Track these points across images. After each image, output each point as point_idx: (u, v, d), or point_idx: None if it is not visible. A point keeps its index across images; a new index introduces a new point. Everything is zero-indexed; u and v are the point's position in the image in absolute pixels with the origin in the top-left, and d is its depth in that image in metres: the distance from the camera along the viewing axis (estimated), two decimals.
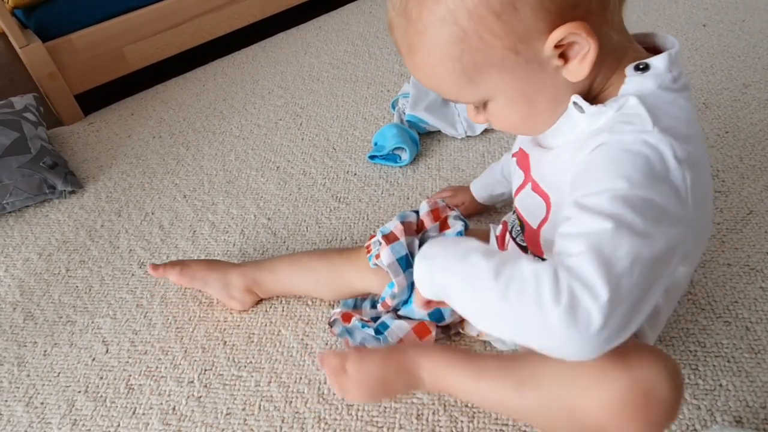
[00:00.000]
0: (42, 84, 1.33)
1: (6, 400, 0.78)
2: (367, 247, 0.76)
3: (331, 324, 0.78)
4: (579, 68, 0.47)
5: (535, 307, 0.42)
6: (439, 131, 1.12)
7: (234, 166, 1.16)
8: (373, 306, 0.78)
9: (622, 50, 0.50)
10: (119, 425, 0.73)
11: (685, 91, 0.50)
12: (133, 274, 0.95)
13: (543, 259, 0.60)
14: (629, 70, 0.49)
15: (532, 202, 0.59)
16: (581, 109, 0.49)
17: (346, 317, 0.76)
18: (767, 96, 1.08)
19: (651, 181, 0.44)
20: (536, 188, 0.58)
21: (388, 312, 0.75)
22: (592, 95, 0.51)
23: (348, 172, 1.09)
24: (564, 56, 0.47)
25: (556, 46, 0.46)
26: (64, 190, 1.13)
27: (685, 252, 0.48)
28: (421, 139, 1.12)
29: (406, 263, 0.72)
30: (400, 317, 0.74)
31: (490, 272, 0.45)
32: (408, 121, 1.11)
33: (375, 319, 0.75)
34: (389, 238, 0.73)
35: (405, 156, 1.06)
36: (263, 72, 1.47)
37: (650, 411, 0.48)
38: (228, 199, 1.08)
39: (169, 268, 0.84)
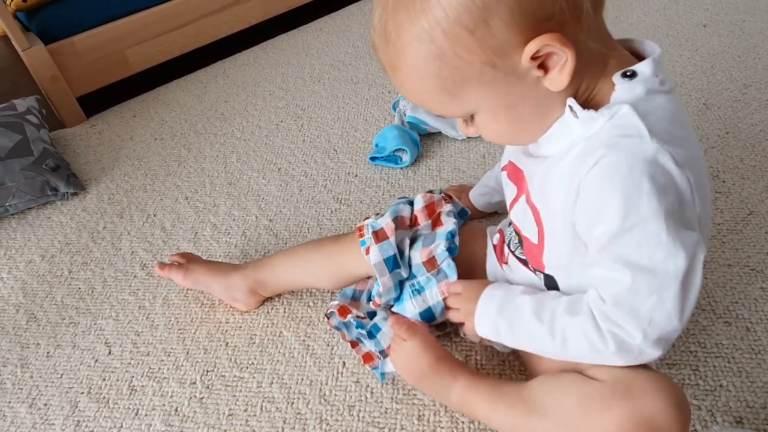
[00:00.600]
0: (44, 86, 1.34)
1: (9, 402, 0.79)
2: (360, 230, 0.75)
3: (327, 316, 0.78)
4: (559, 78, 0.47)
5: (594, 355, 0.52)
6: (440, 132, 1.12)
7: (235, 167, 1.17)
8: (370, 299, 0.78)
9: (603, 57, 0.50)
10: (122, 426, 0.74)
11: (673, 93, 0.51)
12: (135, 276, 0.95)
13: (544, 274, 0.61)
14: (617, 77, 0.49)
15: (527, 216, 0.59)
16: (575, 114, 0.50)
17: (343, 311, 0.76)
18: None
19: (658, 197, 0.47)
20: (529, 201, 0.58)
21: (381, 309, 0.75)
22: (580, 102, 0.51)
23: (349, 173, 1.09)
24: (544, 66, 0.47)
25: (534, 58, 0.46)
26: (67, 192, 1.13)
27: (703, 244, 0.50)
28: (422, 140, 1.12)
29: (393, 263, 0.72)
30: (394, 314, 0.74)
31: (546, 333, 0.55)
32: (409, 122, 1.12)
33: (371, 314, 0.75)
34: (379, 235, 0.72)
35: (406, 157, 1.06)
36: (264, 74, 1.48)
37: None
38: (229, 200, 1.08)
39: (174, 270, 0.85)
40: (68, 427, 0.75)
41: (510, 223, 0.67)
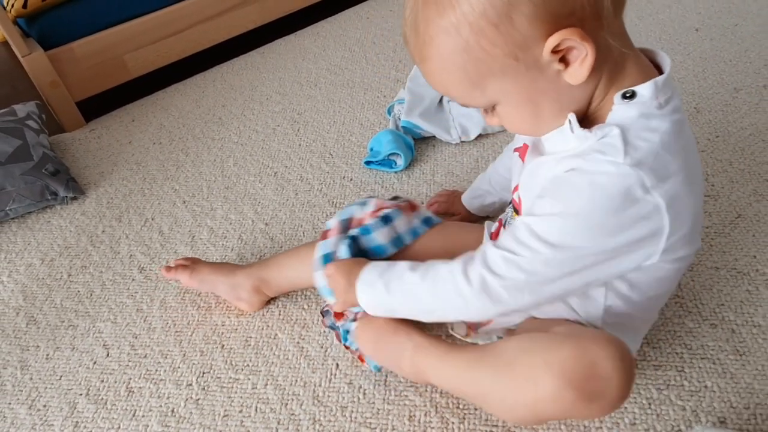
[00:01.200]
0: (44, 92, 1.35)
1: (9, 403, 0.80)
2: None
3: (323, 313, 0.79)
4: (579, 71, 0.49)
5: (456, 297, 0.57)
6: (434, 137, 1.14)
7: (232, 171, 1.18)
8: None
9: (622, 55, 0.52)
10: (119, 427, 0.75)
11: (675, 114, 0.52)
12: (133, 279, 0.97)
13: None
14: (617, 98, 0.51)
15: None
16: (572, 129, 0.52)
17: (338, 313, 0.77)
18: (757, 100, 1.09)
19: (603, 211, 0.50)
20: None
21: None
22: (592, 106, 0.54)
23: (344, 177, 1.11)
24: (565, 60, 0.49)
25: (555, 52, 0.48)
26: (66, 197, 1.15)
27: (650, 252, 0.53)
28: (416, 144, 1.13)
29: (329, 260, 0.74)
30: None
31: (418, 278, 0.61)
32: (403, 127, 1.13)
33: None
34: (325, 235, 0.75)
35: (400, 161, 1.08)
36: (262, 78, 1.49)
37: (592, 382, 0.52)
38: (226, 204, 1.10)
39: (180, 271, 0.87)
40: (67, 428, 0.76)
41: (510, 202, 0.69)
